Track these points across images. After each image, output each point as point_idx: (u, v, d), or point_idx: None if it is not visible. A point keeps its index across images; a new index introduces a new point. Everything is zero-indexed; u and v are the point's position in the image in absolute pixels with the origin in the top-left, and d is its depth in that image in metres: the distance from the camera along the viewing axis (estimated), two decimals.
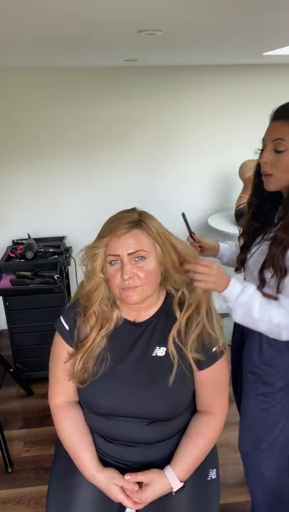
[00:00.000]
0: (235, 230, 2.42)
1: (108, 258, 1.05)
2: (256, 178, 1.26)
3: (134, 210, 1.10)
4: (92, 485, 1.09)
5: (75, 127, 2.68)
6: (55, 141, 2.69)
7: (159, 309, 1.13)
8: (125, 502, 1.05)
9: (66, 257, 2.48)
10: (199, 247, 1.46)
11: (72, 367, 1.10)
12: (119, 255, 1.03)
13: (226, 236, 2.42)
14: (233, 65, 2.65)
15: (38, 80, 2.57)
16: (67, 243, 2.76)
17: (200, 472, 1.14)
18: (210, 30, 1.29)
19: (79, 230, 2.78)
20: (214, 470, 1.20)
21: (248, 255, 1.31)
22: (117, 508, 1.11)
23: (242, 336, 1.40)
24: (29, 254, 2.32)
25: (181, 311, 1.09)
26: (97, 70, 2.58)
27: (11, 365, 2.26)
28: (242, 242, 1.36)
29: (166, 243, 1.07)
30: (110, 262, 1.05)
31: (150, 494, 1.05)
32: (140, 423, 1.09)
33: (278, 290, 1.16)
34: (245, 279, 1.35)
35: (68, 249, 2.64)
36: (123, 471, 1.09)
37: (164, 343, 1.09)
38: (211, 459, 1.19)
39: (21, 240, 2.61)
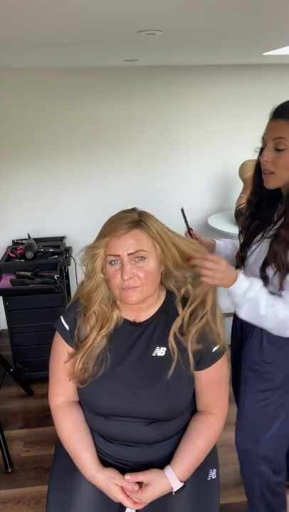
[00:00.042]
0: (235, 230, 2.41)
1: (108, 258, 1.05)
2: (256, 177, 1.27)
3: (134, 210, 1.10)
4: (92, 485, 1.09)
5: (75, 127, 2.68)
6: (55, 141, 2.69)
7: (159, 309, 1.13)
8: (125, 502, 1.05)
9: (66, 257, 2.48)
10: None
11: (73, 367, 1.10)
12: (119, 255, 1.03)
13: (226, 236, 2.41)
14: (233, 65, 2.65)
15: (38, 79, 2.56)
16: (67, 243, 2.76)
17: (200, 472, 1.14)
18: (210, 30, 1.29)
19: (79, 230, 2.78)
20: (214, 470, 1.20)
21: (248, 253, 1.31)
22: (117, 508, 1.11)
23: (242, 335, 1.40)
24: (29, 254, 2.32)
25: (184, 306, 1.09)
26: (97, 70, 2.58)
27: (11, 365, 2.26)
28: (242, 239, 1.36)
29: (168, 242, 1.07)
30: (110, 262, 1.05)
31: (150, 494, 1.05)
32: (140, 423, 1.09)
33: (281, 287, 1.16)
34: None
35: (68, 249, 2.64)
36: (123, 471, 1.09)
37: (164, 343, 1.09)
38: (211, 459, 1.19)
39: (21, 240, 2.61)
